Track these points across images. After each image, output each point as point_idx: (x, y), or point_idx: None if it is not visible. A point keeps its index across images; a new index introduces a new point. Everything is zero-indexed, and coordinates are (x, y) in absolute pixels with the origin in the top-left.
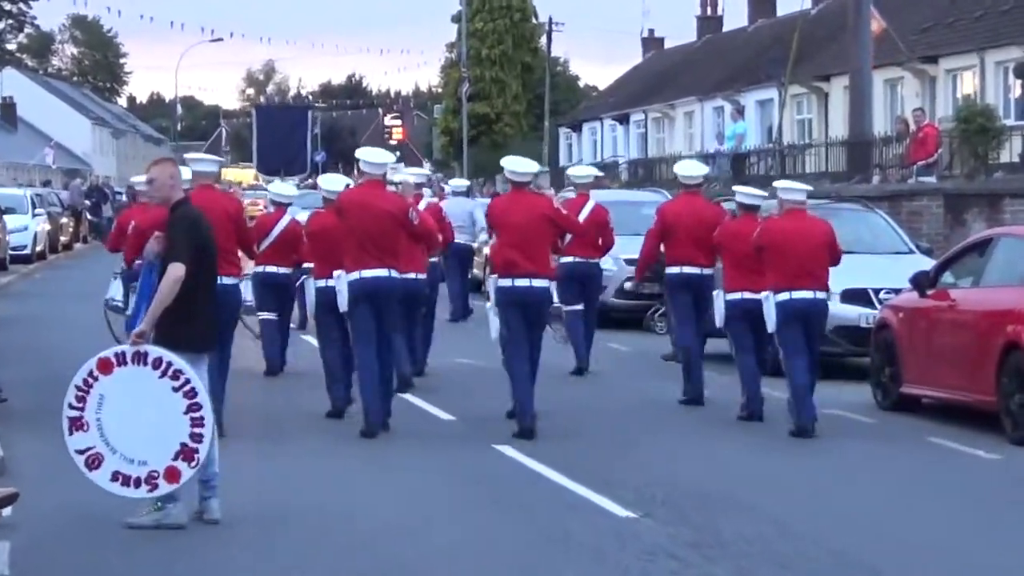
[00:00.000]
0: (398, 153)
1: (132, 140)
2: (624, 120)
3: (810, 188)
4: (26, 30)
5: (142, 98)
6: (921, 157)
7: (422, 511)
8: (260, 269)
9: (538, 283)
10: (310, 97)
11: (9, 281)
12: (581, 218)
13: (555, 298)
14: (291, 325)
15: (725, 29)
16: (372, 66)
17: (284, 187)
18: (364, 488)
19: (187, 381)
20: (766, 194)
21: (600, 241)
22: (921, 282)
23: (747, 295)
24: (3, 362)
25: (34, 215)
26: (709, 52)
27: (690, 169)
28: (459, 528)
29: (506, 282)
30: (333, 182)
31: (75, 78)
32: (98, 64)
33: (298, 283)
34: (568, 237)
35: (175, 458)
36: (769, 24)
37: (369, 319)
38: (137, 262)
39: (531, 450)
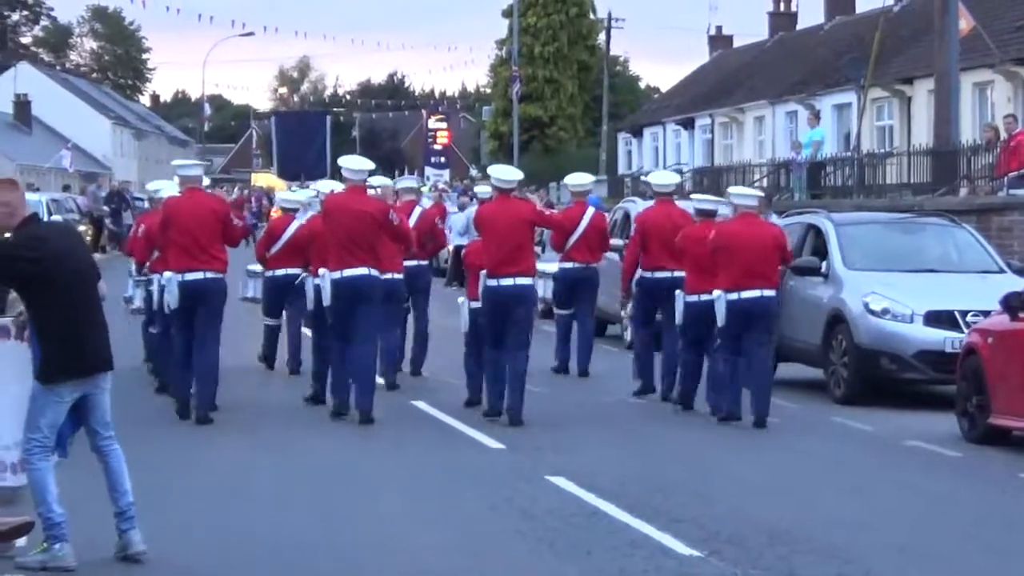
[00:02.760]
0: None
1: (155, 142)
2: (689, 125)
3: (760, 194)
4: (42, 22)
5: (166, 97)
6: (1013, 168)
7: (471, 548)
8: (271, 273)
9: (522, 281)
10: (348, 97)
11: None
12: (582, 226)
13: (547, 294)
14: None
15: (799, 27)
16: (415, 64)
17: (292, 193)
18: (409, 523)
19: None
20: (723, 200)
21: (601, 247)
22: (1013, 304)
23: (704, 297)
24: None
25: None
26: (782, 52)
27: (664, 179)
28: (514, 568)
29: (493, 282)
30: (329, 185)
31: (94, 75)
32: (119, 60)
33: (296, 281)
34: (571, 241)
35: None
36: (847, 22)
37: (349, 315)
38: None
39: (588, 482)
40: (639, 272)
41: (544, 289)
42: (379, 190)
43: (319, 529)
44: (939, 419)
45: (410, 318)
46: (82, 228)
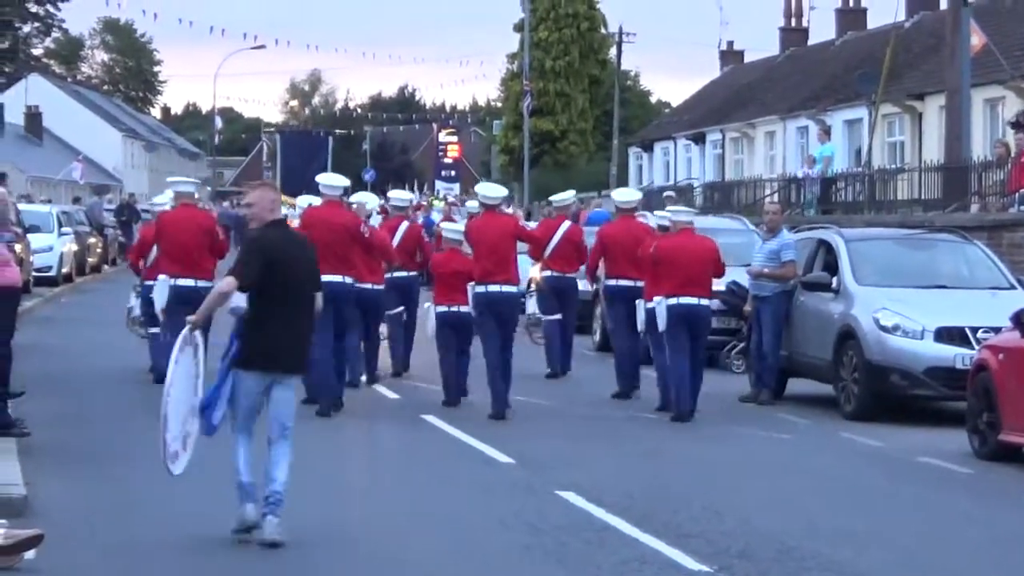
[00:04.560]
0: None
1: (166, 154)
2: (700, 140)
3: (695, 211)
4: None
5: (177, 109)
6: None
7: (479, 562)
8: None
9: (508, 289)
10: (359, 110)
11: (33, 305)
12: (556, 237)
13: (534, 308)
14: None
15: (811, 42)
16: (426, 77)
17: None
18: (417, 536)
19: (197, 356)
20: (689, 211)
21: (577, 257)
22: (1023, 320)
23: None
24: (26, 394)
25: (60, 234)
26: (793, 67)
27: (626, 195)
28: None
29: (481, 289)
30: (307, 200)
31: (105, 87)
32: (130, 72)
33: None
34: (548, 250)
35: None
36: (859, 38)
37: (324, 319)
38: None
39: (597, 497)
40: (604, 280)
41: (531, 305)
42: (355, 206)
43: (323, 541)
44: (949, 436)
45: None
46: (92, 240)
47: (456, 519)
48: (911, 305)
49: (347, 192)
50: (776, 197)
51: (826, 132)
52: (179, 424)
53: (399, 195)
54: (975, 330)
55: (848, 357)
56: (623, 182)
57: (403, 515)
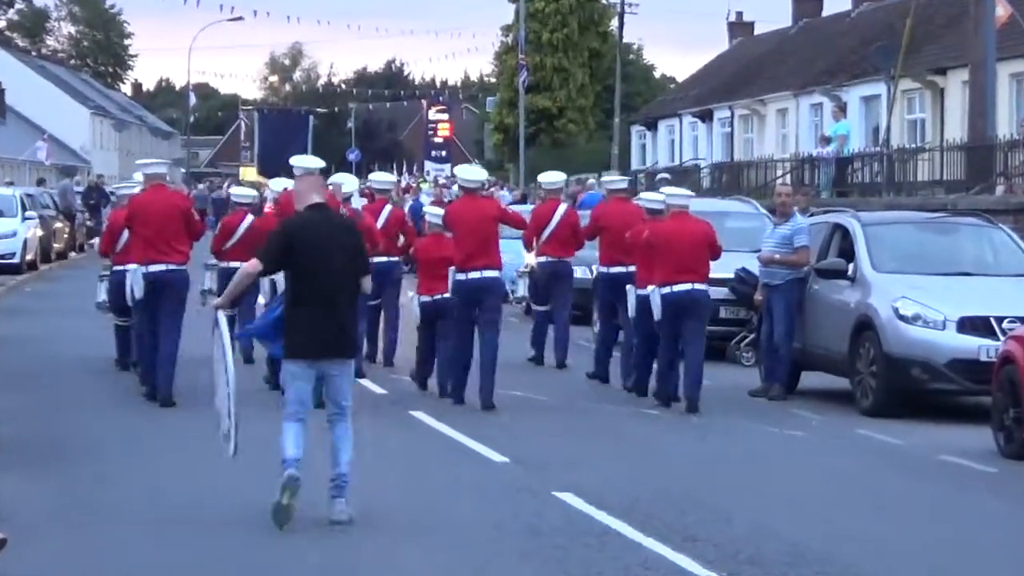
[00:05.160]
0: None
1: (137, 133)
2: (707, 117)
3: (692, 194)
4: (17, 5)
5: (149, 85)
6: None
7: (474, 568)
8: (225, 265)
9: (489, 274)
10: (343, 86)
11: None
12: (554, 221)
13: (524, 292)
14: None
15: (825, 13)
16: (416, 51)
17: (245, 190)
18: (408, 541)
19: (222, 339)
20: (688, 194)
21: (574, 242)
22: None
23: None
24: None
25: (24, 219)
26: (806, 39)
27: (615, 177)
28: None
29: (462, 275)
30: (282, 183)
31: (72, 61)
32: (99, 45)
33: None
34: (544, 236)
35: (226, 416)
36: (877, 8)
37: None
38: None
39: (597, 499)
40: (598, 269)
41: (522, 288)
42: (331, 188)
43: (312, 545)
44: (973, 432)
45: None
46: (59, 225)
47: (449, 523)
48: (932, 293)
49: (324, 174)
50: (788, 178)
51: (841, 109)
52: (224, 408)
53: (381, 177)
54: (1000, 320)
55: (865, 349)
56: (625, 163)
57: (392, 519)
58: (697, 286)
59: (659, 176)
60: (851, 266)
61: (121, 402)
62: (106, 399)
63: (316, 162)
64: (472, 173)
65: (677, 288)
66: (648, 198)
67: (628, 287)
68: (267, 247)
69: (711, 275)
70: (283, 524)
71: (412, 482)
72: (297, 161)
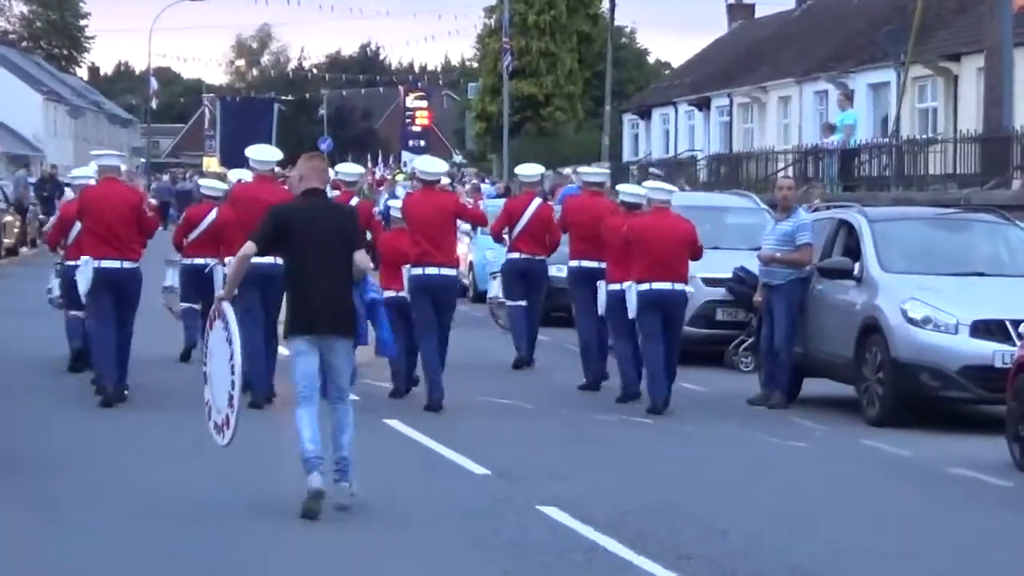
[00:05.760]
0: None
1: (94, 120)
2: (704, 106)
3: (675, 189)
4: None
5: (107, 69)
6: None
7: None
8: (188, 261)
9: (446, 271)
10: (314, 71)
11: None
12: (526, 216)
13: (498, 291)
14: None
15: None
16: (392, 34)
17: (215, 182)
18: (382, 558)
19: (228, 329)
20: (644, 191)
21: (547, 239)
22: None
23: (624, 286)
24: None
25: None
26: (811, 23)
27: (593, 170)
28: None
29: (418, 271)
30: (238, 174)
31: (24, 43)
32: (53, 26)
33: (205, 270)
34: (515, 231)
35: (228, 404)
36: None
37: (255, 303)
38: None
39: (584, 513)
40: (568, 263)
41: (495, 288)
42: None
43: (276, 567)
44: (987, 444)
45: None
46: (8, 219)
47: (426, 539)
48: (944, 295)
49: (283, 165)
50: (791, 171)
51: (848, 97)
52: (223, 397)
53: (348, 168)
54: (1017, 324)
55: (872, 354)
56: (616, 153)
57: (365, 535)
58: (676, 286)
59: (652, 170)
60: (857, 265)
61: (75, 403)
62: (60, 401)
63: (273, 153)
64: (430, 165)
65: (656, 286)
66: (627, 191)
67: (599, 283)
68: (260, 229)
69: (707, 275)
70: (310, 518)
71: (386, 496)
72: (252, 152)
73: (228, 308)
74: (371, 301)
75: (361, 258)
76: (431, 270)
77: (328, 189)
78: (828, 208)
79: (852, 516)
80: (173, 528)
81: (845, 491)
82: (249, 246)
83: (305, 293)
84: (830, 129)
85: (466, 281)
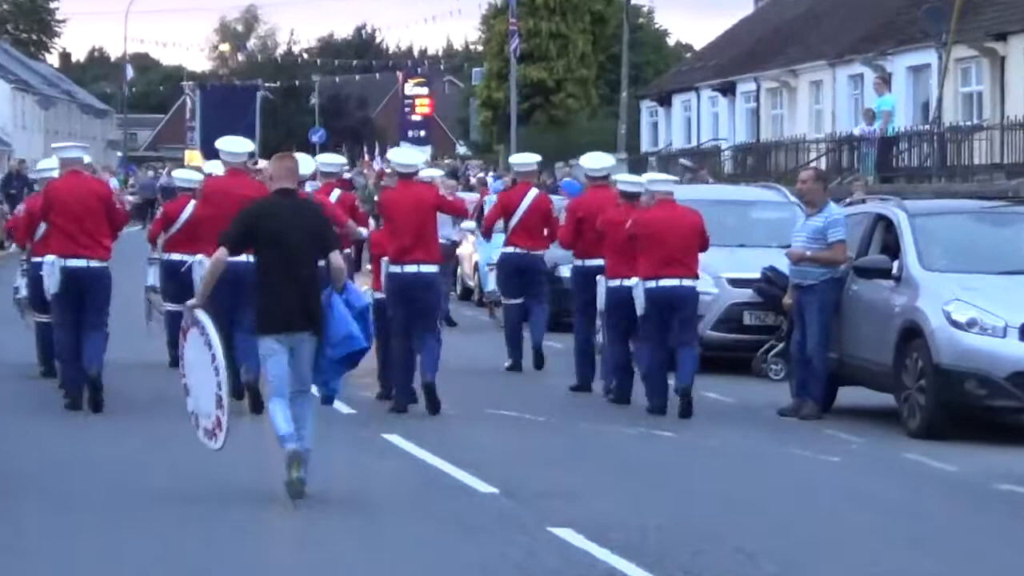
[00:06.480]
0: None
1: (66, 111)
2: (729, 91)
3: (676, 179)
4: None
5: (79, 55)
6: None
7: None
8: (167, 257)
9: (426, 268)
10: (305, 56)
11: None
12: (522, 207)
13: (494, 286)
14: None
15: None
16: (389, 15)
17: (190, 173)
18: None
19: (205, 333)
20: (644, 181)
21: (545, 232)
22: None
23: (626, 282)
24: None
25: None
26: (844, 0)
27: (597, 162)
28: None
29: (396, 268)
30: (212, 167)
31: None
32: (20, 9)
33: (183, 268)
34: (511, 225)
35: (217, 406)
36: None
37: (225, 299)
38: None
39: (600, 535)
40: (572, 262)
41: (492, 282)
42: (262, 172)
43: None
44: None
45: None
46: None
47: (427, 564)
48: (990, 295)
49: (254, 158)
50: (823, 162)
51: (885, 81)
52: (209, 401)
53: (329, 159)
54: None
55: (912, 360)
56: (634, 143)
57: (365, 559)
58: (685, 281)
59: (683, 161)
60: (896, 264)
61: (41, 411)
62: (25, 409)
63: (242, 145)
64: (407, 156)
65: (664, 283)
66: (625, 179)
67: (598, 278)
68: (229, 230)
69: (733, 275)
70: (297, 497)
71: (385, 517)
72: (222, 144)
73: (202, 314)
74: (364, 308)
75: (336, 259)
76: (410, 268)
77: (311, 183)
78: (864, 202)
79: (891, 537)
80: (177, 530)
81: (883, 509)
82: (221, 250)
83: (275, 292)
84: (871, 115)
85: (471, 283)
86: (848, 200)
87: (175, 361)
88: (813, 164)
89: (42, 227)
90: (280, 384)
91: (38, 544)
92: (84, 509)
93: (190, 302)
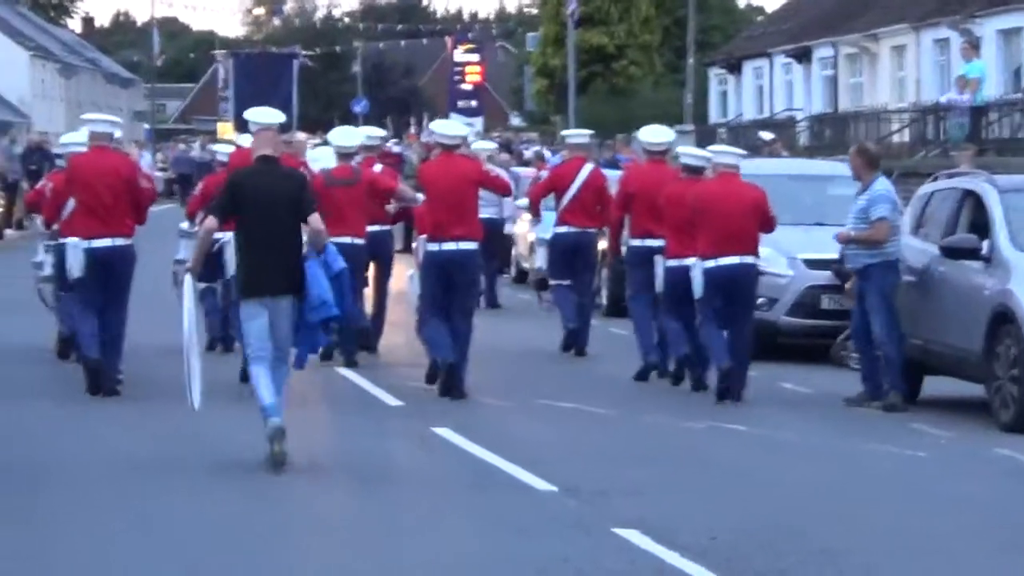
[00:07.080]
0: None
1: (90, 80)
2: (804, 57)
3: (745, 152)
4: None
5: (104, 21)
6: None
7: None
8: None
9: (466, 246)
10: (346, 20)
11: None
12: (576, 184)
13: (542, 263)
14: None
15: None
16: None
17: (230, 147)
18: None
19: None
20: (710, 155)
21: (599, 209)
22: None
23: (685, 262)
24: None
25: None
26: None
27: (655, 135)
28: None
29: (434, 246)
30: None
31: None
32: None
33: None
34: (564, 202)
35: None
36: None
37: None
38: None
39: (668, 537)
40: (629, 242)
41: (540, 258)
42: (293, 144)
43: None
44: None
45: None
46: None
47: (484, 567)
48: None
49: (284, 129)
50: (906, 133)
51: (974, 46)
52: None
53: (370, 131)
54: None
55: (1004, 347)
56: (701, 114)
57: (417, 562)
58: (746, 259)
59: (761, 134)
60: (985, 244)
61: (63, 395)
62: (47, 391)
63: (273, 116)
64: (449, 128)
65: (723, 262)
66: (688, 152)
67: (656, 258)
68: (215, 201)
69: (809, 256)
70: (279, 469)
71: (436, 515)
72: (251, 115)
73: (188, 281)
74: (339, 272)
75: (315, 221)
76: (448, 245)
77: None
78: (951, 176)
79: (982, 537)
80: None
81: (973, 508)
82: (210, 220)
83: (257, 257)
84: (964, 83)
85: (526, 265)
86: (952, 172)
87: (211, 344)
88: (896, 135)
89: (70, 204)
90: (261, 347)
91: (63, 526)
92: (107, 486)
93: (187, 265)
